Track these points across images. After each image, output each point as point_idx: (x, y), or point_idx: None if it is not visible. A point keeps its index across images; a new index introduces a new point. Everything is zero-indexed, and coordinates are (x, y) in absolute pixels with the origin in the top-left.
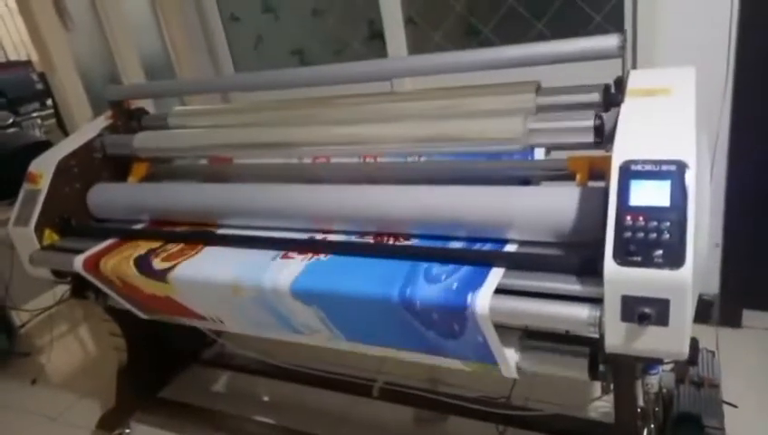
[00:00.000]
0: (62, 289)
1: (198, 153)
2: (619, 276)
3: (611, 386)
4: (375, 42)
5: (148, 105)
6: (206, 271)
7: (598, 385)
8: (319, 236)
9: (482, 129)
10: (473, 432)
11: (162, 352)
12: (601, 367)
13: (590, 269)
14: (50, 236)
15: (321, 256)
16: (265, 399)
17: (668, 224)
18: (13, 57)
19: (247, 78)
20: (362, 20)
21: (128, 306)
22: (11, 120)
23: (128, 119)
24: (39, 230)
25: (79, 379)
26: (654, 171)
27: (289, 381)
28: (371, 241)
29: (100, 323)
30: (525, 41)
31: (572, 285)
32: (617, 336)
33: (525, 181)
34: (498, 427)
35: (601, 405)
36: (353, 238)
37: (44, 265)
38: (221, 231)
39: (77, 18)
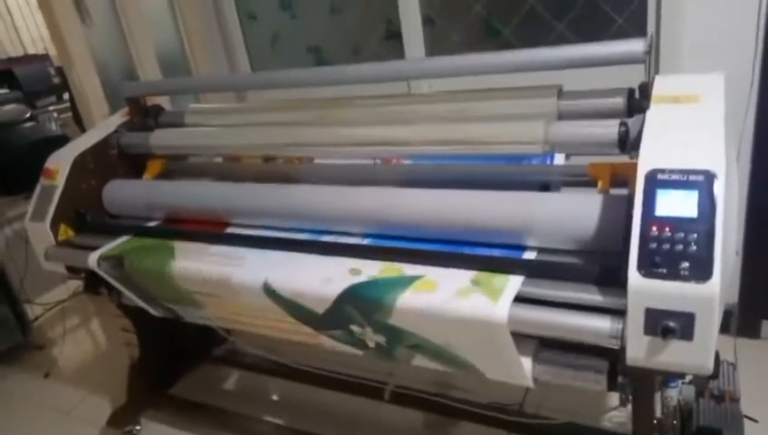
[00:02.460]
0: (75, 283)
1: (213, 152)
2: (643, 288)
3: (629, 398)
4: (392, 41)
5: (164, 102)
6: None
7: (613, 395)
8: (331, 238)
9: (501, 132)
10: None
11: (173, 349)
12: (620, 379)
13: (611, 279)
14: (65, 232)
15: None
16: (275, 398)
17: (696, 235)
18: (31, 51)
19: (264, 77)
20: (380, 19)
21: (141, 304)
22: (28, 115)
23: (144, 115)
24: (55, 225)
25: (90, 373)
26: (681, 181)
27: (299, 381)
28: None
29: (111, 319)
30: (546, 43)
31: (593, 296)
32: (639, 349)
33: (544, 187)
34: (510, 434)
35: (616, 416)
36: (365, 241)
37: (59, 261)
38: (235, 230)
39: (95, 14)
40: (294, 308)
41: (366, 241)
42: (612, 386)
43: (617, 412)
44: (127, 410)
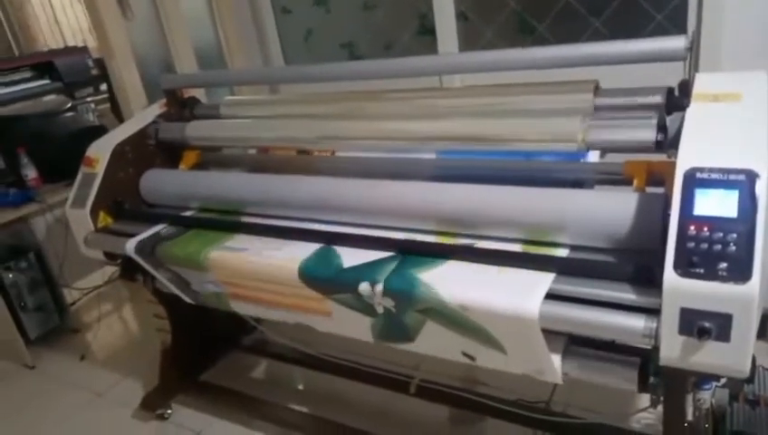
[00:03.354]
0: (111, 270)
1: (248, 144)
2: (679, 288)
3: (660, 399)
4: (425, 37)
5: (199, 94)
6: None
7: (643, 395)
8: (363, 232)
9: (536, 128)
10: None
11: (204, 336)
12: (652, 379)
13: (646, 278)
14: (104, 219)
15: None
16: (301, 387)
17: (735, 236)
18: (70, 43)
19: (298, 70)
20: (413, 14)
21: (175, 290)
22: (69, 105)
23: (181, 107)
24: (94, 212)
25: (124, 357)
26: (721, 180)
27: (326, 371)
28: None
29: (144, 305)
30: (581, 39)
31: (627, 294)
32: (673, 349)
33: (577, 184)
34: (537, 432)
35: (645, 417)
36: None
37: (98, 247)
38: (267, 221)
39: (136, 8)
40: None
41: (397, 235)
42: (643, 386)
43: (646, 414)
44: (159, 394)
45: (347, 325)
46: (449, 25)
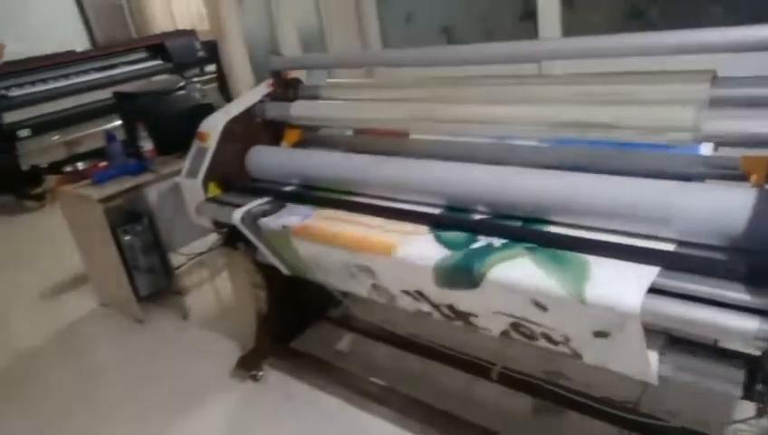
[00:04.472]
0: (212, 239)
1: (348, 124)
2: None
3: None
4: (527, 23)
5: (300, 75)
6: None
7: (738, 404)
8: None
9: (646, 116)
10: (593, 432)
11: (296, 306)
12: (760, 386)
13: (761, 278)
14: (213, 190)
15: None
16: (382, 363)
17: None
18: (180, 27)
19: (400, 54)
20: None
21: (273, 261)
22: (181, 84)
23: (285, 88)
24: (205, 183)
25: (221, 321)
26: None
27: (407, 350)
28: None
29: (240, 274)
30: (697, 26)
31: (739, 294)
32: None
33: (686, 178)
34: (623, 432)
35: (741, 429)
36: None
37: (208, 216)
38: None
39: None
40: None
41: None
42: (749, 394)
43: (744, 425)
44: (253, 357)
45: (407, 268)
46: (552, 10)
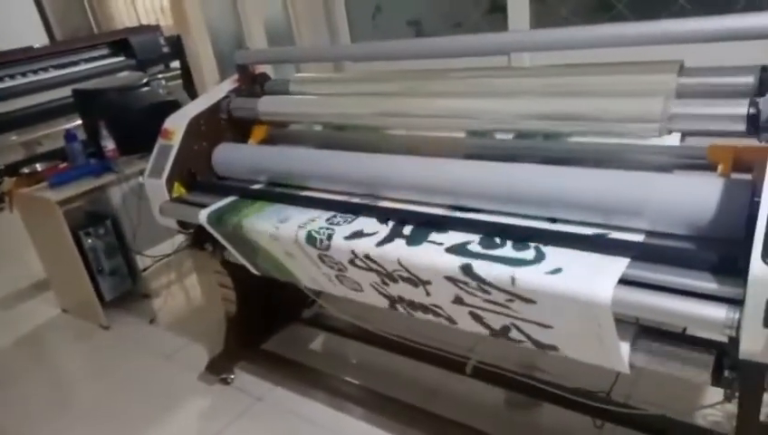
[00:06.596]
0: (179, 240)
1: (317, 119)
2: (766, 278)
3: (735, 394)
4: (496, 15)
5: (267, 70)
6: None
7: (706, 390)
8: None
9: (613, 108)
10: (568, 423)
11: (267, 307)
12: (727, 373)
13: (728, 267)
14: (178, 189)
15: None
16: (357, 362)
17: None
18: (144, 22)
19: (368, 48)
20: None
21: (242, 261)
22: (144, 81)
23: (252, 83)
24: (169, 182)
25: (190, 323)
26: None
27: (382, 348)
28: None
29: (209, 275)
30: (665, 17)
31: (707, 283)
32: (755, 343)
33: (654, 169)
34: (596, 421)
35: (710, 413)
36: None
37: (173, 216)
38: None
39: None
40: None
41: (458, 214)
42: (717, 380)
43: (712, 410)
44: (223, 360)
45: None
46: (521, 3)
